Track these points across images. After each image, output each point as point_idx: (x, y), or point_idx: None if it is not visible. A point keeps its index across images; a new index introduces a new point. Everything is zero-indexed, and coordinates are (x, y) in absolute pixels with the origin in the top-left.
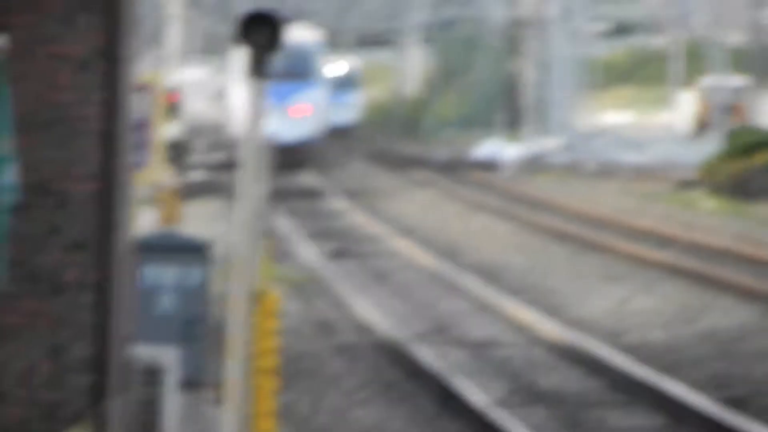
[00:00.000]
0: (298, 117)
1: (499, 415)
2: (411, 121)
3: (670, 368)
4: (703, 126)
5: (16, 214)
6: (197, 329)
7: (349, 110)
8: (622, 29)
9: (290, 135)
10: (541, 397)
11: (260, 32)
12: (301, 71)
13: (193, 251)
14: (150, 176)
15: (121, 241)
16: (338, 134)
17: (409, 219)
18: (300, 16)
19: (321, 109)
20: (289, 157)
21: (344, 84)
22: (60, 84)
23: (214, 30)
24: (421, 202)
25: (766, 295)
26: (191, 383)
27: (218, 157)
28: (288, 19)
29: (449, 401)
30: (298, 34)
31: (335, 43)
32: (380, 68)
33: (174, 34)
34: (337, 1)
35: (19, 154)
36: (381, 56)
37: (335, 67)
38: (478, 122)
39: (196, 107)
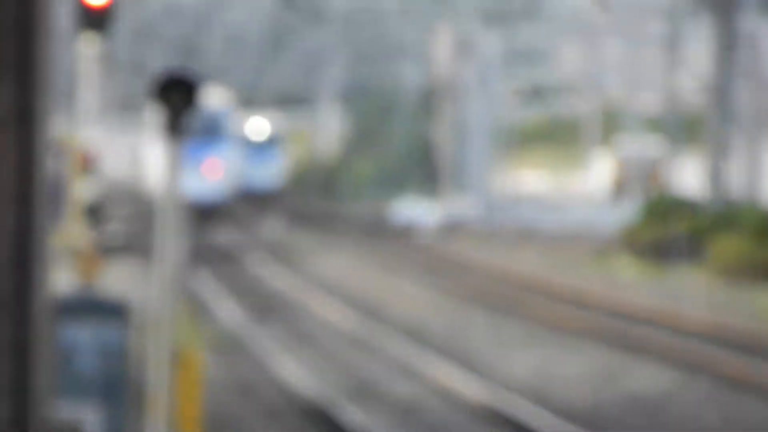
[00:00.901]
0: (210, 177)
1: None
2: (328, 182)
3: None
4: (620, 191)
5: None
6: (117, 390)
7: (271, 172)
8: (536, 93)
9: (202, 194)
10: None
11: (176, 92)
12: (211, 132)
13: (112, 311)
14: (67, 235)
15: (39, 300)
16: (259, 199)
17: (329, 281)
18: (214, 74)
19: (232, 169)
20: (202, 215)
21: (265, 144)
22: None
23: (129, 88)
24: (341, 264)
25: (687, 359)
26: None
27: (134, 215)
28: (203, 79)
29: None
30: (209, 96)
31: (251, 102)
32: (296, 128)
33: (88, 92)
34: (252, 61)
35: None
36: (297, 116)
37: (255, 126)
38: (396, 184)
39: (111, 165)
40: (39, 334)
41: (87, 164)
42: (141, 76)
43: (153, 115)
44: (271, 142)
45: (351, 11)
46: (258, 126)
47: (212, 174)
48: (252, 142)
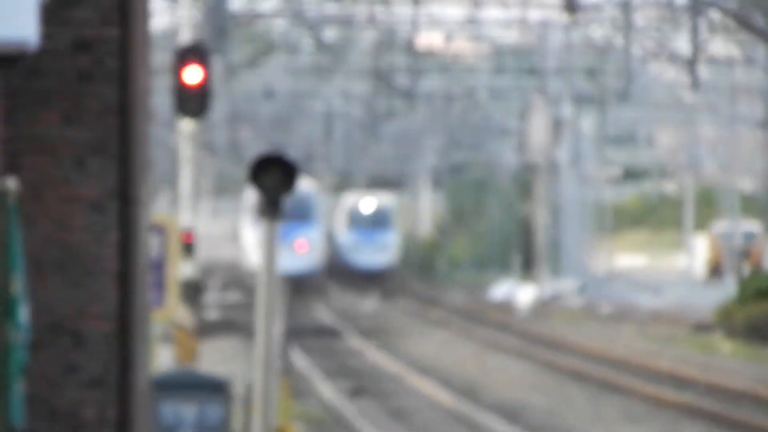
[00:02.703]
0: (300, 252)
1: None
2: (425, 262)
3: None
4: (716, 270)
5: (32, 352)
6: None
7: (383, 251)
8: (631, 174)
9: (293, 268)
10: None
11: (272, 175)
12: (300, 214)
13: (212, 389)
14: (166, 315)
15: (140, 378)
16: (370, 279)
17: (426, 359)
18: (309, 158)
19: (319, 246)
20: (295, 285)
21: (376, 223)
22: (73, 225)
23: (225, 171)
24: (438, 343)
25: None
26: None
27: (233, 295)
28: (298, 163)
29: None
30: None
31: (346, 185)
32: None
33: (186, 176)
34: (346, 144)
35: (32, 294)
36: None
37: (364, 204)
38: (492, 264)
39: (209, 246)
40: (141, 409)
41: (187, 245)
42: (236, 159)
43: (250, 197)
44: (383, 221)
45: (444, 92)
46: (370, 205)
47: (302, 250)
48: (363, 221)
